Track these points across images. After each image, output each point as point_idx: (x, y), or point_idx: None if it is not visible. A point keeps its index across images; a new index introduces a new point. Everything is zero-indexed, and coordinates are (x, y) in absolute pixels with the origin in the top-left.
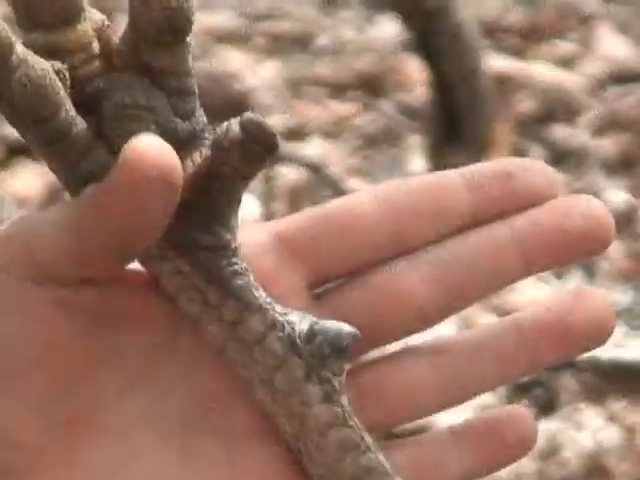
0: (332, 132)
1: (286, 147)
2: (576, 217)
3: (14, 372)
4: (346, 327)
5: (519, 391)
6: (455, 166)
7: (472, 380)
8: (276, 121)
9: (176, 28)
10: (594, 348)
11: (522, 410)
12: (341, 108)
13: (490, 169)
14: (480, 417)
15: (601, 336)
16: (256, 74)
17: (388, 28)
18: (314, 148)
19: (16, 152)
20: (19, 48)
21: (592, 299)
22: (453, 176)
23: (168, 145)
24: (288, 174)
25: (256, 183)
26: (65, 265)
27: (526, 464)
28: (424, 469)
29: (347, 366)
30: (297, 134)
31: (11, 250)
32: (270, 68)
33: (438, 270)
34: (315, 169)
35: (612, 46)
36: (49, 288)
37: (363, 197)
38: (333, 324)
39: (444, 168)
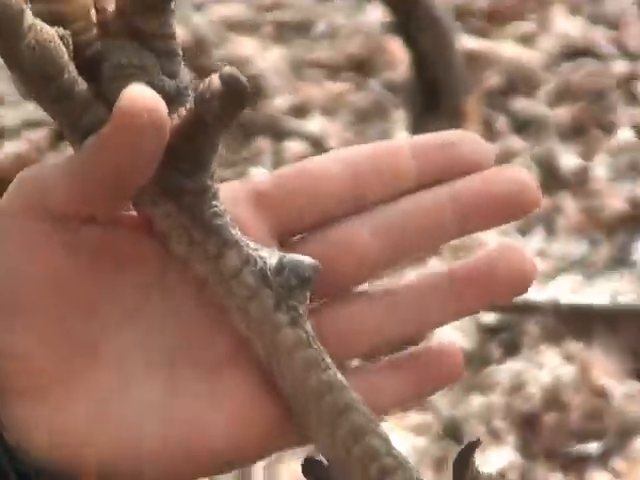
0: (330, 109)
1: (291, 123)
2: (506, 183)
3: (24, 305)
4: (309, 260)
5: (487, 335)
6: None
7: (418, 320)
8: (283, 101)
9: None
10: (517, 295)
11: (451, 344)
12: (336, 87)
13: (434, 140)
14: (416, 349)
15: (523, 285)
16: (264, 59)
17: (374, 14)
18: (315, 124)
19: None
20: (28, 16)
21: (515, 252)
22: (404, 145)
23: (156, 93)
24: (293, 147)
25: (266, 155)
26: (70, 207)
27: (495, 399)
28: (369, 392)
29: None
30: (300, 111)
31: (22, 197)
32: (276, 53)
33: (386, 226)
34: (316, 143)
35: (565, 25)
36: (56, 230)
37: (327, 160)
38: (298, 257)
39: None
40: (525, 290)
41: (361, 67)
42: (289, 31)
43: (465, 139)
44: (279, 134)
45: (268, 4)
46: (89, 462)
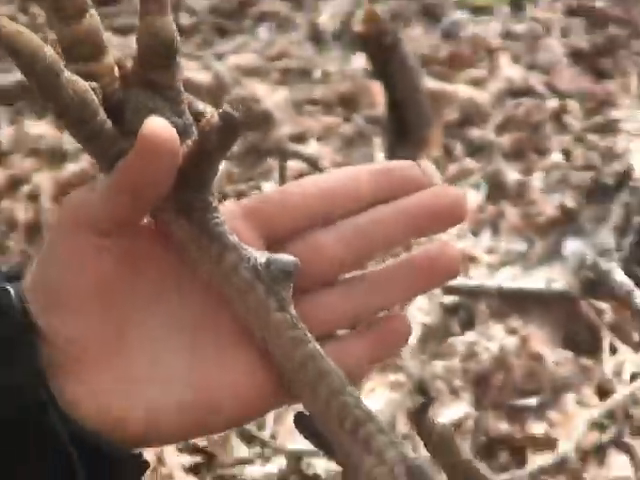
0: (323, 137)
1: (294, 147)
2: (441, 199)
3: (73, 303)
4: (291, 258)
5: (448, 314)
6: (405, 158)
7: (373, 302)
8: (287, 130)
9: (168, 54)
10: (450, 280)
11: (401, 315)
12: (329, 120)
13: (387, 167)
14: (373, 321)
15: (454, 273)
16: (272, 98)
17: (359, 62)
18: (312, 148)
19: None
20: (66, 72)
21: (449, 248)
22: (365, 170)
23: (169, 124)
24: (295, 166)
25: (275, 172)
26: (104, 221)
27: (454, 364)
28: (343, 357)
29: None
30: (300, 139)
31: (68, 214)
32: (281, 93)
33: (350, 234)
34: (313, 163)
35: (508, 71)
36: (98, 240)
37: (302, 184)
38: (282, 256)
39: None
40: (455, 277)
41: (348, 104)
42: (292, 76)
43: (412, 167)
44: (284, 156)
45: (275, 55)
46: (130, 423)
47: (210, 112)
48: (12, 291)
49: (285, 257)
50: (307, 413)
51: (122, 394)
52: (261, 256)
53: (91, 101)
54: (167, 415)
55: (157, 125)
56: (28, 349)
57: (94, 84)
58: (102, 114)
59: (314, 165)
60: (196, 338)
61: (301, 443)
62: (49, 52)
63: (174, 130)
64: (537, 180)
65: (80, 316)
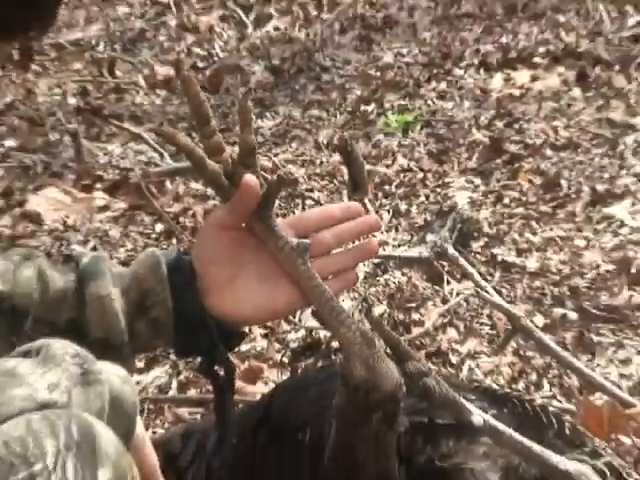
0: (321, 190)
1: (308, 194)
2: (370, 221)
3: (212, 260)
4: (308, 241)
5: (376, 266)
6: (357, 200)
7: (342, 263)
8: (304, 187)
9: (251, 151)
10: (375, 255)
11: (354, 271)
12: (324, 183)
13: (346, 205)
14: (341, 272)
15: (375, 252)
16: (298, 172)
17: (336, 158)
18: (316, 195)
19: None
20: (207, 160)
21: (373, 241)
22: (338, 206)
23: (255, 178)
24: (310, 203)
25: (300, 207)
26: (227, 224)
27: (379, 290)
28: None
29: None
30: (312, 190)
31: (213, 220)
32: (302, 171)
33: (333, 235)
34: (317, 202)
35: (401, 161)
36: (224, 232)
37: (309, 212)
38: (304, 240)
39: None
40: (376, 252)
41: (332, 175)
42: (306, 164)
43: (354, 205)
44: (304, 199)
45: (299, 154)
46: (238, 315)
47: (271, 177)
48: (185, 258)
49: (306, 241)
50: (315, 310)
51: (234, 303)
52: (294, 240)
53: (218, 174)
54: (254, 312)
55: (250, 178)
56: (193, 286)
57: (220, 165)
58: (223, 179)
59: (318, 203)
60: (268, 279)
61: (313, 322)
62: (200, 152)
63: (257, 181)
64: (415, 209)
65: (216, 267)
